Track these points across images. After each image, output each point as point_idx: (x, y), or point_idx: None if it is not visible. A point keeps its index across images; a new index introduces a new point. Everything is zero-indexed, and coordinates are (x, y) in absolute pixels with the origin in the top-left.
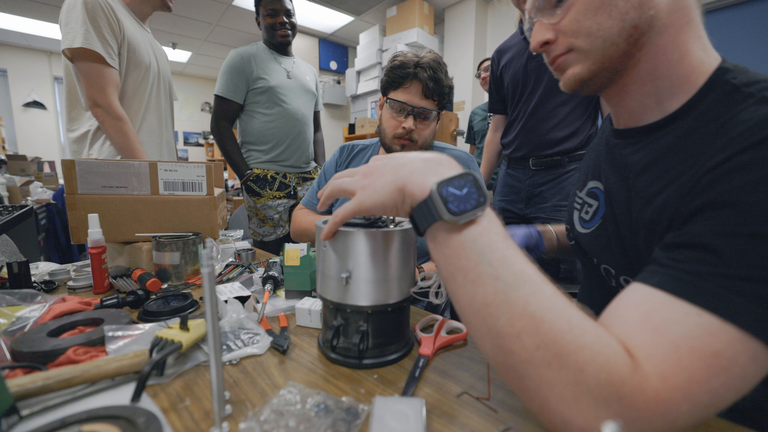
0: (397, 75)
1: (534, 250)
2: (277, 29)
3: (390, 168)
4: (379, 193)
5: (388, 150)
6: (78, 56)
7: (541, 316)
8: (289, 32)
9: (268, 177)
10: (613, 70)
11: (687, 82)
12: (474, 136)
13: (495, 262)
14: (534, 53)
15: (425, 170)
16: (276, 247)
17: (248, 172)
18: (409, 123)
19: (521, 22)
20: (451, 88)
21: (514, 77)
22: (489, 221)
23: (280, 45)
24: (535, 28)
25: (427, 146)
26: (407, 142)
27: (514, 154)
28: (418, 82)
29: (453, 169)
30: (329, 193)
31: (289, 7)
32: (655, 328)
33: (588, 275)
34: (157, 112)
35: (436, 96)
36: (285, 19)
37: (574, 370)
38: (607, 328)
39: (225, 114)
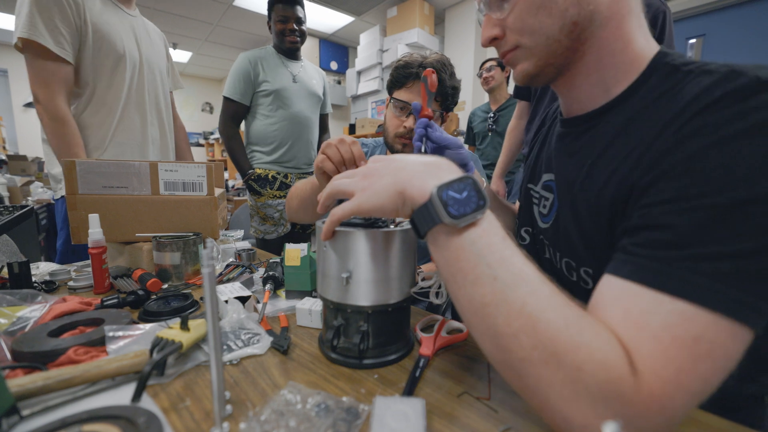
0: (400, 75)
1: None
2: (287, 35)
3: (390, 171)
4: (379, 196)
5: (391, 148)
6: (24, 48)
7: (537, 316)
8: (298, 39)
9: (269, 177)
10: (559, 65)
11: (631, 69)
12: (474, 137)
13: (493, 263)
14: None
15: (425, 174)
16: (278, 246)
17: (250, 171)
18: (410, 122)
19: None
20: (455, 89)
21: None
22: (488, 223)
23: (288, 50)
24: (484, 22)
25: None
26: (408, 141)
27: None
28: (421, 82)
29: (453, 172)
30: (328, 193)
31: (301, 15)
32: (636, 322)
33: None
34: (139, 108)
35: (439, 96)
36: (295, 26)
37: (572, 369)
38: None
39: (232, 115)
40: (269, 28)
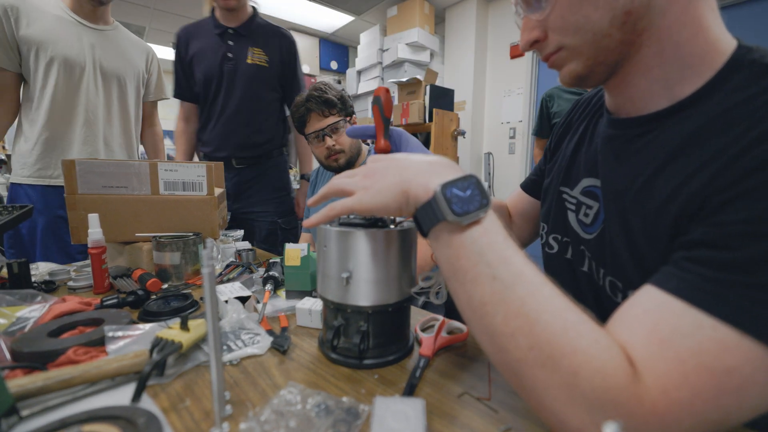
0: (297, 118)
1: None
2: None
3: (393, 170)
4: (383, 194)
5: (329, 168)
6: None
7: (535, 317)
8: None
9: None
10: (611, 63)
11: (702, 64)
12: (553, 127)
13: (493, 263)
14: (230, 55)
15: (429, 172)
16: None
17: None
18: (329, 142)
19: None
20: (341, 94)
21: (208, 73)
22: (491, 222)
23: None
24: (522, 25)
25: (357, 147)
26: (337, 155)
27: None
28: (314, 112)
29: (457, 171)
30: (326, 192)
31: None
32: (662, 340)
33: (576, 289)
34: (68, 109)
35: (333, 110)
36: None
37: (568, 373)
38: (612, 333)
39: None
40: None
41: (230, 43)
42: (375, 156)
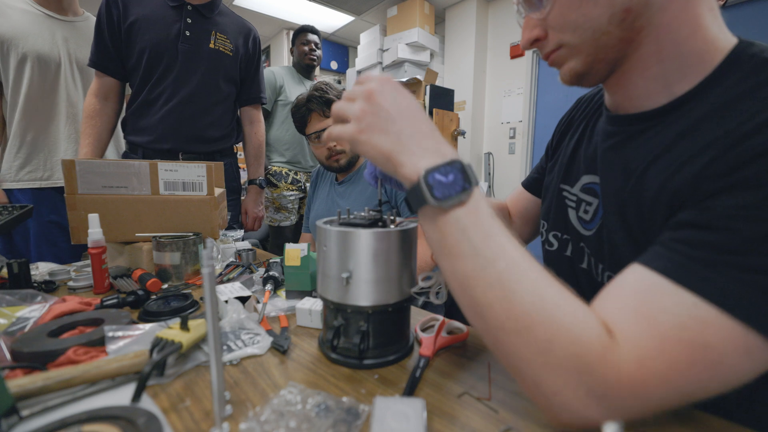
0: (298, 118)
1: None
2: (308, 53)
3: (388, 128)
4: (370, 147)
5: (330, 169)
6: None
7: (512, 288)
8: (315, 58)
9: (283, 173)
10: (611, 60)
11: (700, 62)
12: None
13: (475, 240)
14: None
15: (417, 151)
16: (291, 233)
17: (268, 167)
18: (330, 143)
19: None
20: (342, 95)
21: (156, 47)
22: (475, 203)
23: (307, 67)
24: (523, 23)
25: None
26: (338, 155)
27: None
28: (315, 112)
29: (443, 154)
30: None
31: (318, 41)
32: (645, 316)
33: (575, 286)
34: (45, 106)
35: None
36: (314, 47)
37: (543, 340)
38: (597, 308)
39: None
40: (291, 52)
41: (188, 20)
42: (371, 77)
